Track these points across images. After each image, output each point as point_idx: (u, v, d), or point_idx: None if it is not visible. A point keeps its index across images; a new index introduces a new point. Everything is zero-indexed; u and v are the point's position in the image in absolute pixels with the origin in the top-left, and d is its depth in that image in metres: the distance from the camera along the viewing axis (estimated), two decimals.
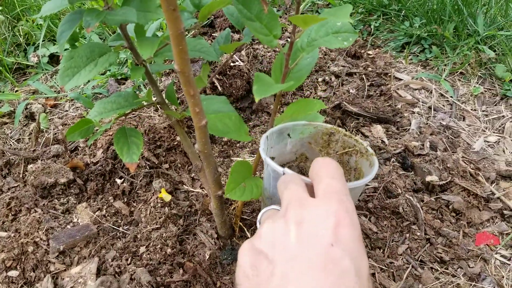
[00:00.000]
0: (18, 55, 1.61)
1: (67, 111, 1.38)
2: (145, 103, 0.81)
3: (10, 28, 1.65)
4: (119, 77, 1.50)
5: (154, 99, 0.82)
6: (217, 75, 1.31)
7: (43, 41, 1.62)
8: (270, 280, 0.39)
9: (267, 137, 0.70)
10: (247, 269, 0.42)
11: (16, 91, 1.46)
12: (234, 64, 1.34)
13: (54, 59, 1.64)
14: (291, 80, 0.68)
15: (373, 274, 0.90)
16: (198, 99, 0.60)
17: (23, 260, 0.89)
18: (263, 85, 0.60)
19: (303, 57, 0.65)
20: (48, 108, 1.38)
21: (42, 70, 1.57)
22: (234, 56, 1.38)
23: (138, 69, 0.76)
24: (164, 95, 0.83)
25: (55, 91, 1.45)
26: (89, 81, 1.48)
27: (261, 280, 0.40)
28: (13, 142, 1.26)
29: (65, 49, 1.37)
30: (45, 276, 0.88)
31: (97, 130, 0.78)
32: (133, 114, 1.31)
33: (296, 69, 0.70)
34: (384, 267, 0.92)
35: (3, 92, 1.46)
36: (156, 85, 0.81)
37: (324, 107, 0.65)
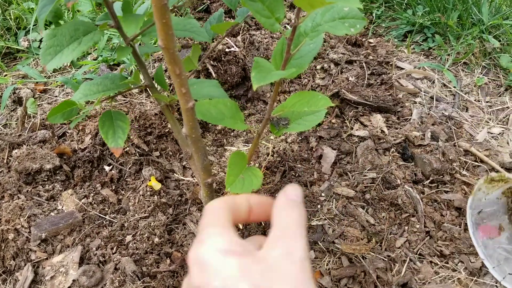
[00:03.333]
0: (9, 39, 1.57)
1: (56, 96, 1.33)
2: (132, 86, 0.77)
3: (0, 12, 1.60)
4: (111, 63, 1.45)
5: (142, 82, 0.78)
6: (211, 61, 1.26)
7: (34, 25, 1.57)
8: None
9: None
10: None
11: (5, 75, 1.42)
12: (230, 50, 1.29)
13: None
14: (292, 67, 0.63)
15: None
16: (184, 79, 0.55)
17: (2, 247, 0.86)
18: (262, 71, 0.55)
19: (305, 42, 0.60)
20: (38, 93, 1.34)
21: (33, 54, 1.52)
22: (230, 41, 1.34)
23: (125, 49, 0.72)
24: (153, 78, 0.79)
25: (45, 76, 1.41)
26: (80, 66, 1.44)
27: None
28: None
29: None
30: (25, 264, 0.84)
31: (79, 113, 0.74)
32: (124, 100, 1.26)
33: (298, 55, 0.64)
34: (382, 260, 0.88)
35: None
36: (144, 67, 0.77)
37: (330, 104, 0.56)
